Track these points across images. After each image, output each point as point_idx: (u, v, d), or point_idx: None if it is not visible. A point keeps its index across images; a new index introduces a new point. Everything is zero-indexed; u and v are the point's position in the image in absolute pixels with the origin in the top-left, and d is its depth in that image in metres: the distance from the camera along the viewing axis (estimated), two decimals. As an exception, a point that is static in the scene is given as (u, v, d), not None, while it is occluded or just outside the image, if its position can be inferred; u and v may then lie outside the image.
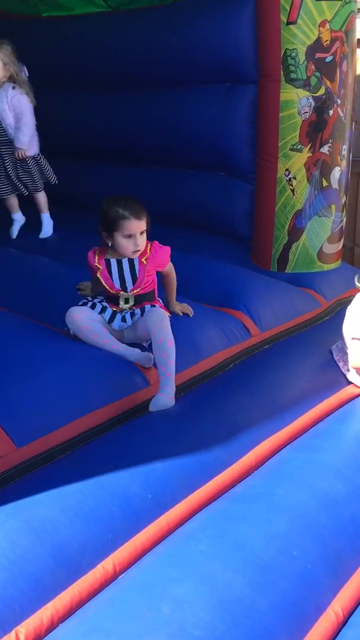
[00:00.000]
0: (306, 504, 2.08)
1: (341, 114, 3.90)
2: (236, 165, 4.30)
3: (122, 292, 2.94)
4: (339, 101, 3.86)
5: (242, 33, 3.93)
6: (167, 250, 3.03)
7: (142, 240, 2.87)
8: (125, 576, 1.84)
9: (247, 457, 2.36)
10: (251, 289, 3.68)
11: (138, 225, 2.82)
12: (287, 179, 3.92)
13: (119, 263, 2.93)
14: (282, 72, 3.74)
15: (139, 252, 2.90)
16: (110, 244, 2.89)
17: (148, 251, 2.95)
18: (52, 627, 1.67)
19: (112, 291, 2.95)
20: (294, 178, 3.91)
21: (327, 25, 3.66)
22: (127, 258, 2.93)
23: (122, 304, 2.96)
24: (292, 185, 3.93)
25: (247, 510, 2.05)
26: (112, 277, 2.94)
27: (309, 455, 2.36)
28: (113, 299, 2.98)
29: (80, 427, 2.52)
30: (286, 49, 3.69)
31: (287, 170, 3.91)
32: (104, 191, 5.12)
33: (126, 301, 2.96)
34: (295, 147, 3.86)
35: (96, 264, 2.96)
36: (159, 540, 1.98)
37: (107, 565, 1.86)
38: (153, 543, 1.96)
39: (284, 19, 3.63)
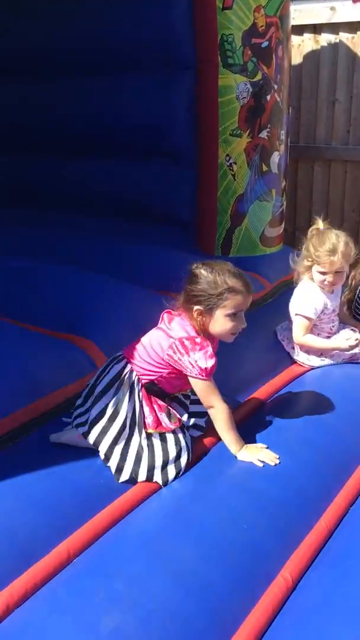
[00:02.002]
0: (255, 479, 2.14)
1: (278, 99, 3.96)
2: (176, 152, 4.32)
3: None
4: (275, 86, 3.91)
5: (178, 18, 3.93)
6: None
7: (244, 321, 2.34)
8: (80, 559, 1.86)
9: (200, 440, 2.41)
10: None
11: (248, 302, 2.32)
12: (228, 164, 3.97)
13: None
14: (219, 58, 3.77)
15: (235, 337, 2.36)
16: (199, 323, 2.29)
17: None
18: (7, 612, 1.68)
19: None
20: (235, 163, 3.96)
21: (262, 10, 3.70)
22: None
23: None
24: (233, 171, 3.97)
25: (199, 488, 2.10)
26: None
27: (258, 433, 2.42)
28: None
29: (29, 414, 2.50)
30: (222, 34, 3.71)
31: (227, 155, 3.95)
32: (41, 184, 5.13)
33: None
34: (234, 132, 3.90)
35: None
36: (112, 524, 2.00)
37: (61, 550, 1.87)
38: (106, 527, 1.99)
39: (219, 4, 3.65)
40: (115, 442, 2.21)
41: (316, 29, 5.00)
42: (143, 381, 2.29)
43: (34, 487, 2.06)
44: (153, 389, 2.31)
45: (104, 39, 4.29)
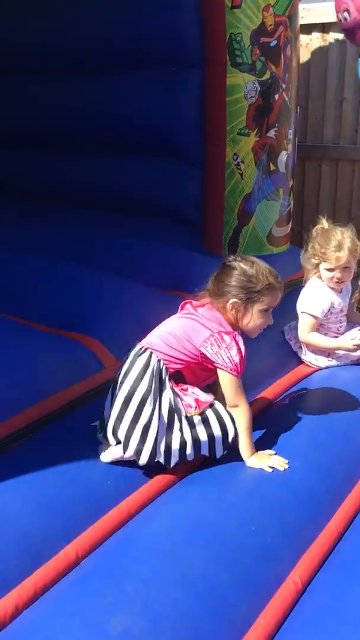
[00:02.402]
0: (264, 482, 2.13)
1: (286, 99, 3.95)
2: (184, 150, 4.31)
3: None
4: (284, 85, 3.90)
5: (187, 17, 3.92)
6: None
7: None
8: (88, 561, 1.86)
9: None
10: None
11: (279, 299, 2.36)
12: (236, 163, 3.95)
13: None
14: (227, 57, 3.76)
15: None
16: (233, 317, 2.29)
17: None
18: (16, 613, 1.67)
19: None
20: (242, 162, 3.95)
21: (271, 9, 3.69)
22: None
23: None
24: (240, 170, 3.96)
25: (208, 491, 2.09)
26: None
27: (267, 436, 2.41)
28: None
29: (36, 413, 2.50)
30: (231, 33, 3.70)
31: (235, 154, 3.94)
32: (48, 182, 5.13)
33: None
34: (242, 131, 3.89)
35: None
36: (120, 525, 1.99)
37: (69, 551, 1.87)
38: (114, 528, 1.98)
39: (228, 3, 3.64)
40: (156, 439, 2.14)
41: (325, 27, 4.97)
42: (170, 370, 2.25)
43: (42, 487, 2.06)
44: (176, 379, 2.28)
45: (113, 38, 4.28)
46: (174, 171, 4.45)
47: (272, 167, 4.01)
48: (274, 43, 3.77)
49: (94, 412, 2.56)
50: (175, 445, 2.15)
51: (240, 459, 2.22)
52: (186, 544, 1.81)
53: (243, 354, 2.23)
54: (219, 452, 2.22)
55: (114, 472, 2.18)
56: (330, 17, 4.85)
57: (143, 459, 2.15)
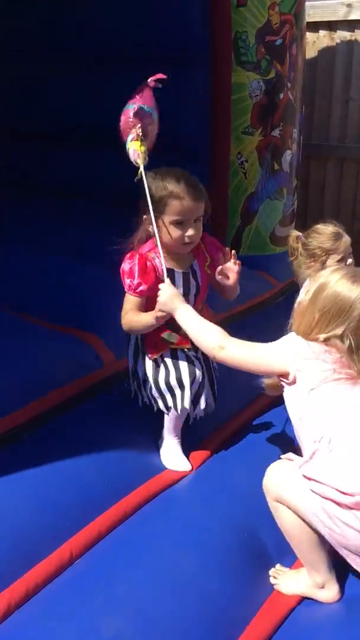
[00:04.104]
0: (257, 487, 2.11)
1: (291, 98, 3.93)
2: (187, 148, 4.28)
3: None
4: (289, 84, 3.87)
5: (193, 14, 3.90)
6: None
7: (197, 231, 2.17)
8: (81, 561, 1.85)
9: (202, 446, 2.40)
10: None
11: (195, 209, 2.15)
12: (239, 162, 3.93)
13: (185, 275, 2.25)
14: (233, 55, 3.74)
15: (191, 247, 2.22)
16: (151, 234, 2.16)
17: (207, 255, 2.30)
18: (8, 612, 1.67)
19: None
20: (246, 161, 3.93)
21: (277, 8, 3.66)
22: (190, 267, 2.27)
23: (171, 340, 2.24)
24: (244, 169, 3.94)
25: (202, 494, 2.08)
26: None
27: (261, 439, 2.40)
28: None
29: (35, 410, 2.49)
30: (236, 31, 3.68)
31: (239, 153, 3.92)
32: (55, 174, 5.11)
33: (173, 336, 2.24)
34: (246, 130, 3.87)
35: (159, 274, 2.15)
36: (114, 526, 1.99)
37: (63, 551, 1.87)
38: (108, 529, 1.98)
39: (234, 1, 3.61)
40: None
41: (331, 26, 4.94)
42: None
43: (38, 485, 2.05)
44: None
45: (119, 34, 4.26)
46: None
47: (276, 166, 3.99)
48: (279, 41, 3.75)
49: (93, 410, 2.56)
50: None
51: (237, 461, 2.21)
52: (179, 548, 1.80)
53: (132, 270, 2.14)
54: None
55: (110, 472, 2.17)
56: (338, 15, 4.84)
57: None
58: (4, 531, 1.87)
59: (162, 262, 2.14)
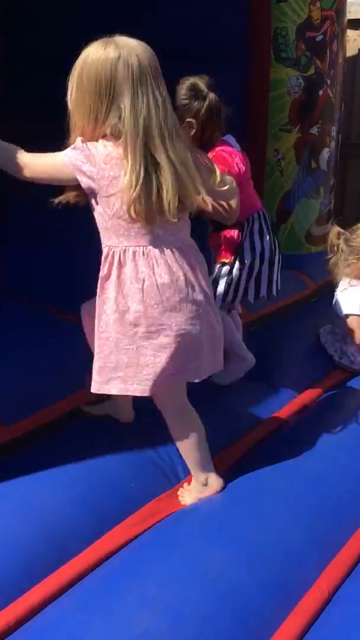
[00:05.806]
0: (293, 486, 2.10)
1: (331, 95, 3.88)
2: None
3: None
4: (328, 81, 3.83)
5: (233, 10, 3.87)
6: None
7: None
8: (114, 558, 1.85)
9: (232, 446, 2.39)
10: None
11: None
12: (276, 159, 3.90)
13: None
14: (272, 51, 3.70)
15: None
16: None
17: None
18: (42, 607, 1.68)
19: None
20: (283, 159, 3.89)
21: (318, 3, 3.62)
22: None
23: None
24: (280, 167, 3.91)
25: (234, 493, 2.07)
26: None
27: (297, 439, 2.38)
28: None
29: (68, 406, 2.51)
30: (276, 27, 3.65)
31: (276, 150, 3.88)
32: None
33: None
34: (284, 127, 3.83)
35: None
36: (147, 525, 1.98)
37: (96, 547, 1.87)
38: (142, 528, 1.97)
39: (274, -3, 3.59)
40: None
41: (373, 23, 4.88)
42: None
43: (78, 481, 2.06)
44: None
45: (159, 31, 4.24)
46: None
47: (313, 164, 3.94)
48: (319, 38, 3.71)
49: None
50: None
51: (268, 466, 2.19)
52: (211, 546, 1.79)
53: None
54: None
55: (143, 473, 2.17)
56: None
57: None
58: (38, 526, 1.87)
59: None
